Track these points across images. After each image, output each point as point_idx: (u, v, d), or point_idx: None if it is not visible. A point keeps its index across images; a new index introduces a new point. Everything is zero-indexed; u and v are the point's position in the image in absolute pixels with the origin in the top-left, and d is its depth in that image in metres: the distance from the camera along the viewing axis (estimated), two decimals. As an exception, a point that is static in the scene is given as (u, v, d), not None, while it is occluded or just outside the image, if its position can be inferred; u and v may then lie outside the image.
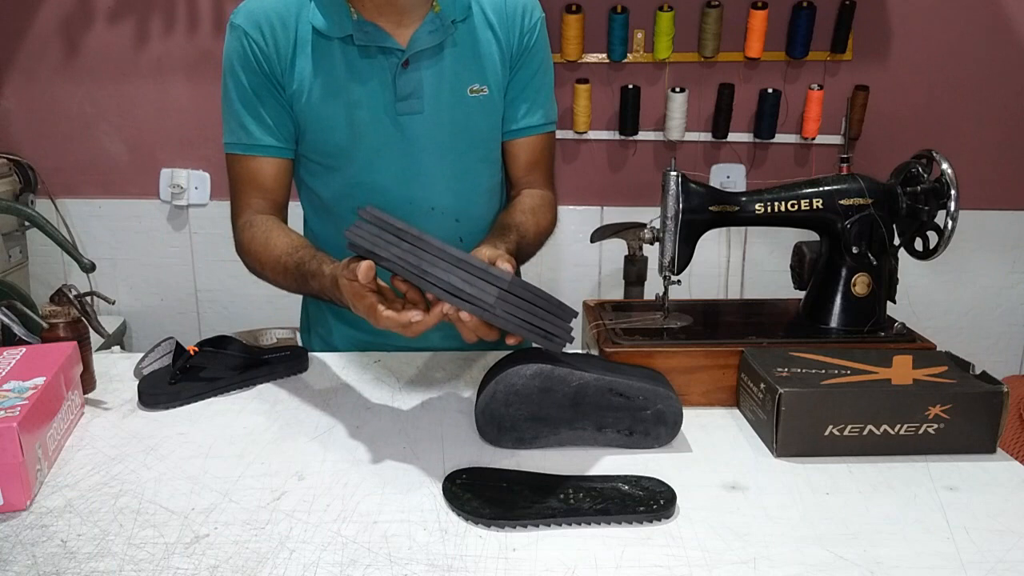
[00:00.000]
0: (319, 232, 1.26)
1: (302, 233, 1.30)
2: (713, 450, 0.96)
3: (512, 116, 1.23)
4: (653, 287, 1.64)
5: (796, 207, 1.12)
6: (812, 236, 1.18)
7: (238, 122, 1.14)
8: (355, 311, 0.92)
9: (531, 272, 2.50)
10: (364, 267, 0.87)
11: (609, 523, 0.80)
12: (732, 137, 2.42)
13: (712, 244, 2.49)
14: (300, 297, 1.35)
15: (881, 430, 0.93)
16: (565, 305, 0.91)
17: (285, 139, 1.16)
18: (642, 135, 2.42)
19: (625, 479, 0.86)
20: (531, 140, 1.25)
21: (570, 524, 0.80)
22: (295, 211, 1.28)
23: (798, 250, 1.22)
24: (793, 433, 0.93)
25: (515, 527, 0.79)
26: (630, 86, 2.35)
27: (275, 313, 1.50)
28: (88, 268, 1.38)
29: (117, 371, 1.17)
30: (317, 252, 1.04)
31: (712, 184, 1.94)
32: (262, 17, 1.11)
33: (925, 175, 1.12)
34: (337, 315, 1.30)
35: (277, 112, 1.14)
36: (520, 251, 1.14)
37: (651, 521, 0.80)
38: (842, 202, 1.11)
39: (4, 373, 0.94)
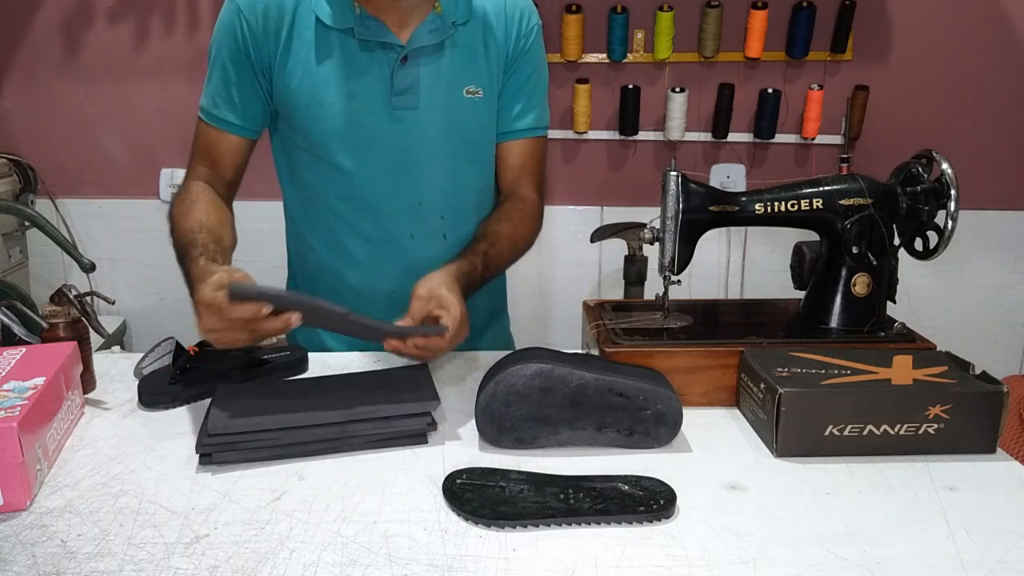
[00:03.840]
0: (301, 221, 1.27)
1: (284, 223, 1.32)
2: (713, 450, 0.96)
3: (503, 118, 1.24)
4: (653, 287, 1.64)
5: (796, 207, 1.12)
6: (812, 236, 1.18)
7: (210, 90, 1.17)
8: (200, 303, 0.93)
9: (531, 272, 2.50)
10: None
11: (609, 523, 0.80)
12: (732, 137, 2.42)
13: (712, 244, 2.49)
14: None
15: (881, 430, 0.93)
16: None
17: (247, 120, 1.17)
18: (642, 135, 2.42)
19: (625, 479, 0.86)
20: (521, 144, 1.26)
21: (570, 524, 0.80)
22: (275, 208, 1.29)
23: (798, 250, 1.22)
24: (793, 433, 0.93)
25: (515, 527, 0.79)
26: (630, 86, 2.35)
27: (275, 313, 1.53)
28: (88, 268, 1.39)
29: (117, 371, 1.17)
30: (209, 244, 1.04)
31: (712, 184, 1.94)
32: None
33: (925, 175, 1.12)
34: None
35: (247, 94, 1.16)
36: (489, 262, 1.16)
37: (651, 521, 0.80)
38: (842, 202, 1.11)
39: (4, 373, 0.94)
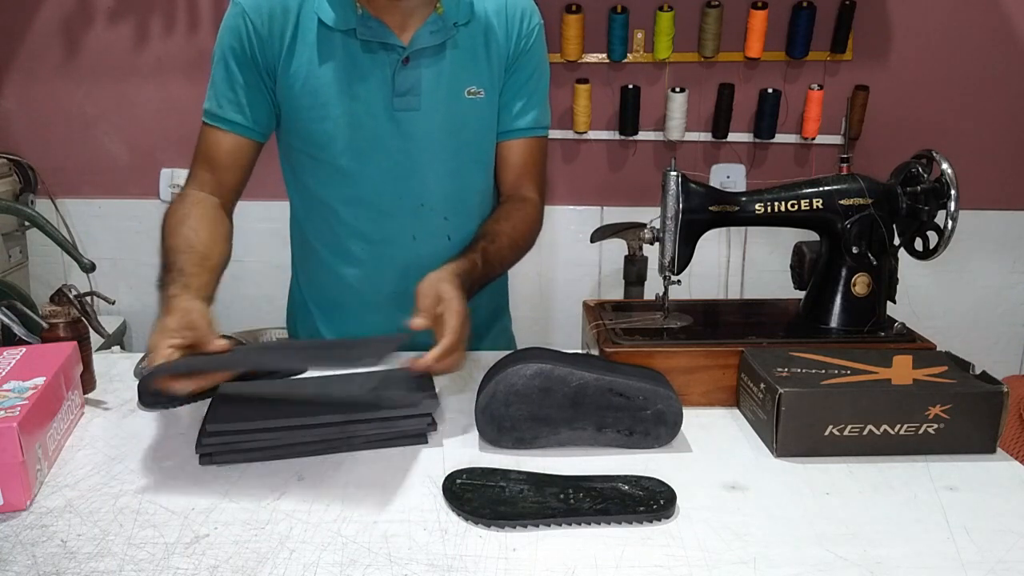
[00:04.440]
0: (304, 222, 1.27)
1: (285, 223, 1.31)
2: (713, 450, 0.96)
3: (503, 118, 1.24)
4: (653, 287, 1.64)
5: (796, 207, 1.12)
6: (812, 236, 1.18)
7: (214, 92, 1.17)
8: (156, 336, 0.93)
9: (531, 272, 2.50)
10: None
11: (609, 523, 0.80)
12: (732, 137, 2.42)
13: (712, 244, 2.49)
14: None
15: (881, 430, 0.93)
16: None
17: (252, 121, 1.17)
18: (642, 135, 2.42)
19: (625, 479, 0.86)
20: (521, 143, 1.26)
21: (570, 524, 0.80)
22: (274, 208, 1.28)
23: (798, 250, 1.22)
24: (793, 433, 0.93)
25: (515, 527, 0.79)
26: (630, 86, 2.35)
27: (274, 313, 1.51)
28: (88, 268, 1.39)
29: (117, 371, 1.17)
30: (187, 267, 1.03)
31: (712, 184, 1.94)
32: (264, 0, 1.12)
33: (925, 175, 1.12)
34: (320, 308, 1.30)
35: (252, 95, 1.15)
36: (489, 259, 1.15)
37: (651, 521, 0.80)
38: (842, 202, 1.11)
39: (4, 373, 0.94)
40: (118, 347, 2.31)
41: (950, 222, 1.07)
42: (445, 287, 1.02)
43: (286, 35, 1.12)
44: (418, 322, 0.99)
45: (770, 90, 2.34)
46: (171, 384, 0.89)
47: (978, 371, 0.98)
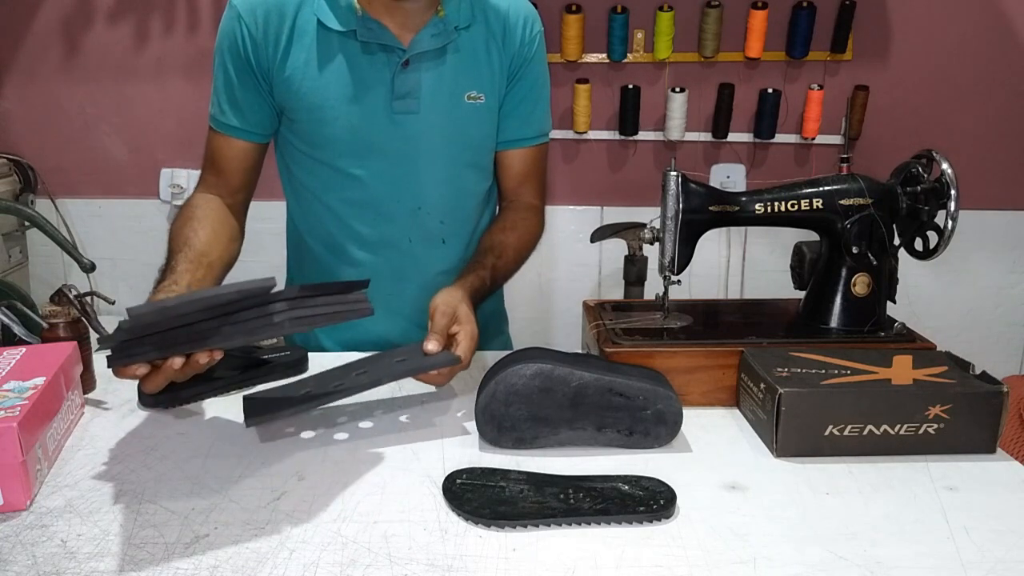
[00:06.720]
0: (300, 222, 1.28)
1: (286, 226, 1.32)
2: (713, 450, 0.96)
3: (506, 127, 1.25)
4: (653, 287, 1.64)
5: (796, 207, 1.12)
6: (812, 236, 1.18)
7: (216, 97, 1.18)
8: None
9: (531, 272, 2.50)
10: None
11: (609, 523, 0.80)
12: (732, 137, 2.42)
13: (712, 244, 2.49)
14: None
15: (881, 430, 0.93)
16: (351, 283, 0.96)
17: (253, 124, 1.18)
18: (642, 135, 2.42)
19: (625, 479, 0.86)
20: (524, 151, 1.27)
21: (570, 524, 0.80)
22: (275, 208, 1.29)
23: (798, 250, 1.22)
24: (793, 433, 0.93)
25: (515, 527, 0.79)
26: (630, 86, 2.35)
27: (275, 313, 1.53)
28: (88, 268, 1.39)
29: (117, 371, 1.17)
30: (179, 267, 1.04)
31: (712, 184, 1.94)
32: (259, 2, 1.12)
33: (925, 175, 1.12)
34: None
35: (251, 98, 1.16)
36: (497, 275, 1.17)
37: (651, 521, 0.80)
38: (842, 202, 1.11)
39: (4, 373, 0.94)
40: (118, 347, 2.31)
41: (950, 222, 1.07)
42: (463, 308, 1.04)
43: (282, 37, 1.12)
44: (431, 347, 0.99)
45: (770, 90, 2.34)
46: (140, 377, 0.89)
47: (978, 371, 0.98)
